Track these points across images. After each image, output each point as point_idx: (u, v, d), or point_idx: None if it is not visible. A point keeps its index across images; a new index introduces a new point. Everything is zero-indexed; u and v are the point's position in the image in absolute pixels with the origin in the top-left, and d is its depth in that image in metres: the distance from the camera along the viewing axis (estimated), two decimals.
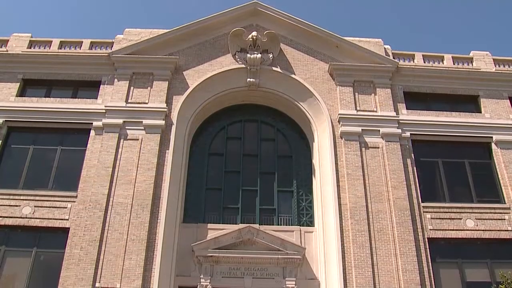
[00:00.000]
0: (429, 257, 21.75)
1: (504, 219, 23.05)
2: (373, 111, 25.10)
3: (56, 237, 21.57)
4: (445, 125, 25.30)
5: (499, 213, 23.22)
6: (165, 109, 24.14)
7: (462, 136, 25.34)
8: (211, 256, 21.63)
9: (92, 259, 20.42)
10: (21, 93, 25.57)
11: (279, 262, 21.79)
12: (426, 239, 22.18)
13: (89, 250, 20.61)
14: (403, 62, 27.13)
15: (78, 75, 25.81)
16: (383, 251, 21.42)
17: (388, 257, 21.30)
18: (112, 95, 24.71)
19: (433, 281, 21.21)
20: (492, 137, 25.32)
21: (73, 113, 24.44)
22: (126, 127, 23.66)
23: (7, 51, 26.30)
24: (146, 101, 24.49)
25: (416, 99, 26.41)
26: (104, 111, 24.15)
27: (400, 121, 24.87)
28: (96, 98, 25.02)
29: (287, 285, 21.42)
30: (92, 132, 23.93)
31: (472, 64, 27.70)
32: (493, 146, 25.20)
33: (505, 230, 22.75)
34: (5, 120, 24.33)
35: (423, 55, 27.64)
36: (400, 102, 25.85)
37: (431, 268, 21.52)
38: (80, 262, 20.39)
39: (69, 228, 21.57)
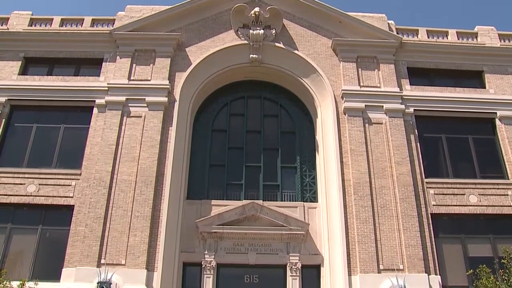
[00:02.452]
0: (432, 233, 21.84)
1: (507, 195, 23.05)
2: (376, 86, 24.97)
3: (61, 214, 21.73)
4: (449, 100, 25.17)
5: (502, 188, 23.23)
6: (168, 86, 24.08)
7: (466, 112, 25.24)
8: (215, 232, 21.78)
9: (97, 236, 20.55)
10: (23, 71, 25.49)
11: (283, 237, 21.95)
12: (429, 215, 22.25)
13: (94, 227, 20.74)
14: (406, 38, 26.88)
15: (80, 52, 25.68)
16: (386, 226, 21.52)
17: (391, 232, 21.39)
18: (114, 72, 24.63)
19: (436, 256, 21.32)
20: (496, 112, 25.21)
21: (75, 91, 24.39)
22: (129, 105, 23.62)
23: (7, 29, 26.16)
24: (149, 78, 24.41)
25: (419, 75, 26.26)
26: (106, 88, 24.09)
27: (404, 97, 24.75)
28: (99, 76, 24.95)
29: (291, 261, 21.60)
30: (95, 110, 23.92)
31: (477, 39, 27.45)
32: (497, 122, 25.12)
33: (508, 206, 22.79)
34: (8, 99, 24.28)
35: (427, 30, 27.37)
36: (404, 77, 25.71)
37: (434, 243, 21.62)
38: (85, 239, 20.53)
39: (73, 205, 21.71)
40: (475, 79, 26.73)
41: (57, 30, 26.09)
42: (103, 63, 25.33)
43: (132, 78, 24.46)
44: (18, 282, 16.90)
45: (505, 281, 17.54)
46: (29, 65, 25.83)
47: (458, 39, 27.28)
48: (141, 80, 24.41)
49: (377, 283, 20.18)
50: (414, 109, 24.69)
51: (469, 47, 26.73)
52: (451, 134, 24.95)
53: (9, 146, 23.68)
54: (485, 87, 26.19)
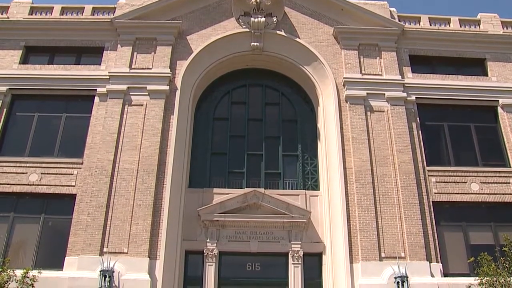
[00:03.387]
0: (433, 220, 21.90)
1: (509, 183, 23.08)
2: (378, 74, 24.89)
3: (63, 203, 21.79)
4: (451, 88, 25.09)
5: (504, 176, 23.24)
6: (169, 74, 24.02)
7: (468, 100, 25.16)
8: (217, 220, 21.84)
9: (99, 225, 20.63)
10: (24, 60, 25.43)
11: (285, 225, 22.00)
12: (431, 203, 22.30)
13: (96, 216, 20.80)
14: (408, 25, 26.76)
15: (81, 41, 25.60)
16: (388, 214, 21.56)
17: (393, 220, 21.44)
18: (115, 61, 24.55)
19: (437, 244, 21.40)
20: (498, 100, 25.14)
21: (76, 79, 24.34)
22: (130, 93, 23.59)
23: (8, 18, 26.04)
24: (150, 67, 24.34)
25: (421, 63, 26.17)
26: (108, 77, 24.03)
27: (406, 85, 24.67)
28: (100, 64, 24.89)
29: (292, 248, 21.68)
30: (97, 99, 23.89)
31: (479, 27, 27.31)
32: (499, 109, 25.06)
33: (510, 194, 22.85)
34: (9, 88, 24.24)
35: (429, 18, 27.25)
36: (406, 65, 25.61)
37: (435, 231, 21.67)
38: (88, 227, 20.61)
39: (75, 194, 21.77)
40: (477, 66, 26.62)
41: (57, 19, 25.99)
42: (104, 52, 25.25)
43: (133, 66, 24.40)
44: (21, 271, 16.92)
45: (506, 269, 17.56)
46: (30, 54, 25.74)
47: (461, 26, 27.16)
48: (142, 68, 24.35)
49: (378, 271, 20.27)
50: (416, 97, 24.62)
51: (471, 35, 26.57)
52: (453, 122, 24.91)
53: (10, 135, 23.67)
54: (487, 75, 26.09)
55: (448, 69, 26.21)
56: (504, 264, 17.74)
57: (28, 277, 16.76)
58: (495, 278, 17.18)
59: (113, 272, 19.23)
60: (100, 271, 19.10)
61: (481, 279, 17.50)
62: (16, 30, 25.68)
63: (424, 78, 25.31)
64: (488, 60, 26.39)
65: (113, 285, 19.11)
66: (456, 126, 24.84)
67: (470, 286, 17.77)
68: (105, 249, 20.19)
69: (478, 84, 25.40)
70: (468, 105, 25.22)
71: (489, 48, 26.57)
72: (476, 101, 25.19)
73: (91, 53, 25.53)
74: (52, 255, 20.75)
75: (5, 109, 23.90)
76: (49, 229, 21.55)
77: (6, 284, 16.28)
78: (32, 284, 16.81)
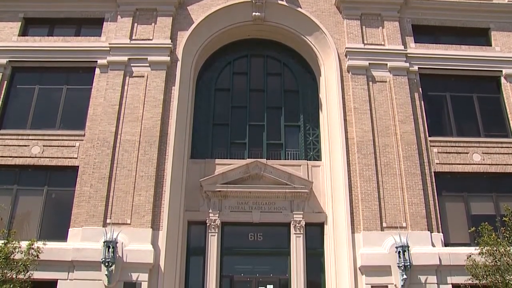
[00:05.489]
0: (435, 191, 21.93)
1: (511, 154, 23.00)
2: (380, 44, 24.63)
3: (66, 175, 21.85)
4: (454, 58, 24.83)
5: (506, 147, 23.18)
6: (170, 45, 23.82)
7: (471, 70, 24.93)
8: (219, 191, 21.92)
9: (102, 196, 20.73)
10: (23, 32, 25.18)
11: (287, 196, 22.08)
12: (433, 173, 22.30)
13: (99, 188, 20.89)
14: None
15: (81, 12, 25.29)
16: (390, 184, 21.60)
17: (395, 190, 21.50)
18: (116, 32, 24.33)
19: (438, 214, 21.48)
20: (501, 71, 24.89)
21: (77, 51, 24.15)
22: (131, 64, 23.42)
23: None
24: (151, 38, 24.10)
25: (424, 32, 25.83)
26: (108, 48, 23.83)
27: (408, 55, 24.42)
28: (100, 36, 24.64)
29: (294, 219, 21.80)
30: (97, 70, 23.73)
31: None
32: (503, 80, 24.83)
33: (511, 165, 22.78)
34: (9, 61, 24.06)
35: None
36: (408, 35, 25.30)
37: (437, 201, 21.74)
38: (91, 199, 20.72)
39: (78, 166, 21.81)
40: (481, 36, 26.29)
41: None
42: (104, 23, 24.97)
43: (133, 37, 24.16)
44: (26, 242, 17.06)
45: (506, 238, 17.65)
46: (29, 26, 25.48)
47: None
48: (143, 39, 24.12)
49: (380, 241, 20.41)
50: (419, 67, 24.39)
51: (475, 4, 26.13)
52: (456, 92, 24.74)
53: (12, 108, 23.61)
54: (491, 45, 25.80)
55: (451, 39, 25.86)
56: (505, 234, 17.83)
57: (33, 249, 16.88)
58: (495, 248, 17.28)
59: (117, 243, 19.35)
60: (104, 242, 19.22)
61: (482, 248, 17.60)
62: (14, 1, 25.36)
63: (427, 48, 25.05)
64: (492, 30, 26.06)
65: (117, 255, 19.27)
66: (458, 96, 24.67)
67: (470, 256, 17.86)
68: (108, 220, 20.34)
69: (482, 54, 25.13)
70: (471, 75, 25.00)
71: (493, 17, 26.19)
72: (479, 71, 24.96)
73: (91, 24, 25.23)
74: (56, 227, 20.91)
75: (5, 82, 23.76)
76: (52, 201, 21.65)
77: (11, 255, 16.41)
78: (37, 255, 16.93)
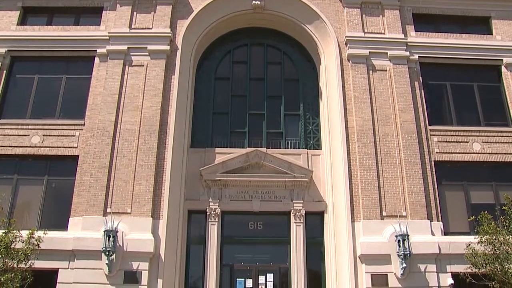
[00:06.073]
0: (435, 180, 21.92)
1: (511, 143, 22.98)
2: (381, 33, 24.51)
3: (66, 164, 21.87)
4: (454, 47, 24.73)
5: (506, 136, 23.13)
6: (170, 34, 23.73)
7: (471, 59, 24.83)
8: (219, 180, 21.93)
9: (102, 186, 20.75)
10: (22, 21, 25.08)
11: (287, 185, 22.10)
12: (433, 162, 22.28)
13: (99, 177, 20.90)
14: None
15: (79, 1, 25.17)
16: (390, 173, 21.60)
17: (395, 179, 21.51)
18: (115, 21, 24.21)
19: (438, 203, 21.50)
20: (502, 59, 24.77)
21: (76, 40, 24.06)
22: (131, 53, 23.34)
23: None
24: (150, 26, 24.00)
25: (425, 21, 25.69)
26: (107, 37, 23.73)
27: (408, 43, 24.32)
28: (99, 25, 24.55)
29: (294, 207, 21.83)
30: (97, 60, 23.67)
31: None
32: (503, 69, 24.74)
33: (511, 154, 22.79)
34: (8, 50, 23.97)
35: None
36: (409, 24, 25.19)
37: (436, 190, 21.74)
38: (91, 188, 20.73)
39: (78, 155, 21.82)
40: (482, 25, 26.18)
41: None
42: (103, 12, 24.84)
43: (133, 26, 24.05)
44: (27, 232, 17.10)
45: (505, 227, 17.69)
46: (28, 15, 25.37)
47: None
48: (142, 28, 24.02)
49: (380, 230, 20.43)
50: (419, 56, 24.31)
51: None
52: (456, 81, 24.67)
53: (11, 97, 23.57)
54: (492, 34, 25.69)
55: (452, 28, 25.78)
56: (504, 223, 17.85)
57: (33, 238, 16.93)
58: (494, 237, 17.33)
59: (117, 232, 19.40)
60: (104, 231, 19.26)
61: (481, 237, 17.63)
62: None
63: (427, 37, 24.96)
64: (493, 18, 25.93)
65: (117, 244, 19.32)
66: (459, 85, 24.61)
67: (470, 244, 17.90)
68: (108, 210, 20.36)
69: (482, 42, 25.03)
70: (472, 64, 24.90)
71: (494, 6, 26.04)
72: (479, 60, 24.86)
73: (90, 13, 25.13)
74: (57, 216, 20.96)
75: (4, 71, 23.70)
76: (52, 190, 21.68)
77: (12, 244, 16.45)
78: (38, 244, 16.98)
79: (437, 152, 22.52)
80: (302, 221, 21.72)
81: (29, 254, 16.58)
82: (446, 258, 20.10)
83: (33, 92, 23.59)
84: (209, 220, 21.61)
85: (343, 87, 23.24)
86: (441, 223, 21.07)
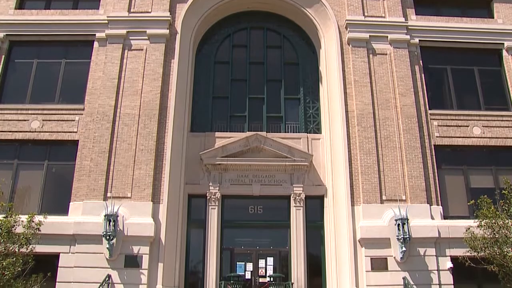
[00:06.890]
0: (434, 164, 21.98)
1: (511, 127, 22.97)
2: (381, 16, 24.37)
3: (66, 149, 21.89)
4: (455, 31, 24.61)
5: (506, 120, 23.16)
6: (169, 18, 23.56)
7: (472, 43, 24.73)
8: (220, 164, 21.97)
9: (103, 170, 20.77)
10: (20, 5, 24.91)
11: (287, 169, 22.14)
12: (433, 146, 22.32)
13: (99, 161, 20.92)
14: None
15: None
16: (390, 157, 21.63)
17: (395, 163, 21.54)
18: (114, 5, 24.01)
19: (438, 187, 21.57)
20: (503, 43, 24.69)
21: (75, 24, 23.91)
22: (130, 37, 23.21)
23: None
24: (149, 10, 23.81)
25: (425, 4, 25.58)
26: (106, 21, 23.57)
27: (409, 27, 24.19)
28: (98, 9, 24.37)
29: (294, 191, 21.90)
30: (96, 44, 23.55)
31: None
32: (504, 52, 24.68)
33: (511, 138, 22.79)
34: (6, 34, 23.86)
35: None
36: (409, 7, 25.04)
37: (436, 174, 21.80)
38: (91, 173, 20.76)
39: (78, 140, 21.82)
40: (483, 8, 26.06)
41: None
42: None
43: (132, 10, 23.87)
44: (27, 216, 17.14)
45: (505, 211, 17.80)
46: None
47: None
48: (141, 12, 23.84)
49: (379, 213, 20.53)
50: (419, 40, 24.20)
51: None
52: (456, 65, 24.60)
53: (10, 82, 23.50)
54: (493, 17, 25.58)
55: (453, 11, 25.65)
56: (504, 207, 18.01)
57: (33, 221, 16.96)
58: (493, 221, 17.41)
59: (117, 216, 19.47)
60: (105, 216, 19.32)
61: (480, 221, 17.76)
62: None
63: (428, 20, 24.81)
64: (494, 2, 25.82)
65: (118, 229, 19.40)
66: (459, 69, 24.55)
67: (469, 228, 18.01)
68: (108, 194, 20.42)
69: (483, 26, 24.91)
70: (472, 48, 24.83)
71: None
72: (480, 44, 24.78)
73: None
74: (57, 201, 21.03)
75: (3, 56, 23.62)
76: (53, 175, 21.72)
77: (12, 229, 16.50)
78: (38, 229, 17.01)
79: (437, 136, 22.52)
80: (302, 205, 21.80)
81: (30, 238, 16.63)
82: (446, 242, 20.19)
83: (32, 76, 23.50)
84: (209, 204, 21.68)
85: (343, 71, 23.14)
86: (440, 207, 21.15)
